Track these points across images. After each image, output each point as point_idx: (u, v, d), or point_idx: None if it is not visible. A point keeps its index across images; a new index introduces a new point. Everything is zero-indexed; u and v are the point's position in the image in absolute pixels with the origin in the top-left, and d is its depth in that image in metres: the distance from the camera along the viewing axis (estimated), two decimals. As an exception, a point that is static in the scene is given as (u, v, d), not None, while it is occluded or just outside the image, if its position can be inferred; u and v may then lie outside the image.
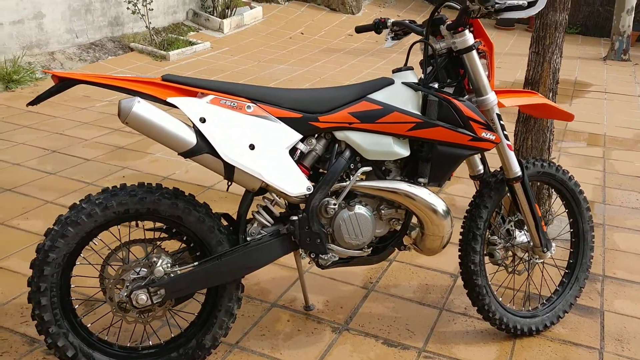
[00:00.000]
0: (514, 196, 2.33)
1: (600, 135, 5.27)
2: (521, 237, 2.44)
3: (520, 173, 2.27)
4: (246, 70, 7.04)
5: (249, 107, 1.93)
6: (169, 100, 1.84)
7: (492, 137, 2.10)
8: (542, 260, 2.47)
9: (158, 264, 1.94)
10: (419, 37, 2.22)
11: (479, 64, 2.12)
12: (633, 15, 8.71)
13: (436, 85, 2.11)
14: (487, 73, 2.17)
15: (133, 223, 2.01)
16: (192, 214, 1.96)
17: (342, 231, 2.07)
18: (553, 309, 2.50)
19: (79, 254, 1.94)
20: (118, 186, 1.95)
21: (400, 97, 2.07)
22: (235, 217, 2.11)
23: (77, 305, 2.01)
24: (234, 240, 2.03)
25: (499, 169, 2.36)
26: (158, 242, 2.04)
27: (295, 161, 1.99)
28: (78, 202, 1.91)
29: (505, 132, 2.21)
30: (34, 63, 6.37)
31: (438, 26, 2.14)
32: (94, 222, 1.88)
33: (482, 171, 2.38)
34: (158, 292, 1.93)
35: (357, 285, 2.77)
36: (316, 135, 2.04)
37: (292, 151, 2.00)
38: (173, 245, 2.13)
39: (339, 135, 2.03)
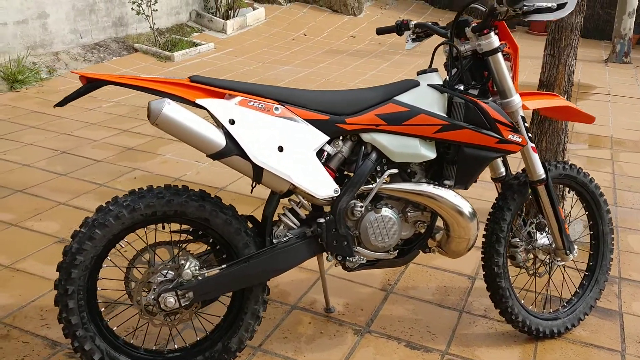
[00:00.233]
0: (537, 199, 2.33)
1: (607, 137, 5.29)
2: (542, 239, 2.44)
3: (544, 176, 2.27)
4: (251, 71, 7.03)
5: (276, 108, 1.92)
6: (198, 101, 1.83)
7: (519, 140, 2.10)
8: (563, 263, 2.46)
9: (186, 267, 1.93)
10: (440, 39, 2.22)
11: (504, 66, 2.11)
12: (634, 18, 8.73)
13: (462, 87, 2.11)
14: (511, 75, 2.16)
15: (158, 225, 2.00)
16: (219, 216, 1.95)
17: (368, 234, 2.07)
18: (574, 311, 2.50)
19: (106, 257, 1.92)
20: (144, 188, 1.94)
21: (427, 99, 2.06)
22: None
23: (103, 308, 1.99)
24: (259, 243, 2.02)
25: (521, 171, 2.36)
26: (183, 245, 2.03)
27: (322, 163, 1.98)
28: (105, 204, 1.90)
29: (529, 135, 2.20)
30: (38, 63, 6.34)
31: (463, 28, 2.14)
32: (121, 225, 1.87)
33: (504, 174, 2.38)
34: (186, 295, 1.92)
35: (376, 287, 2.76)
36: (342, 137, 2.04)
37: (319, 153, 1.99)
38: (195, 247, 2.12)
39: (366, 137, 2.03)
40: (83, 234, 1.85)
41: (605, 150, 4.94)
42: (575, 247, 2.42)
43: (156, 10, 7.41)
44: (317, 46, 8.72)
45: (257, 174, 1.89)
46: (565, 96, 3.19)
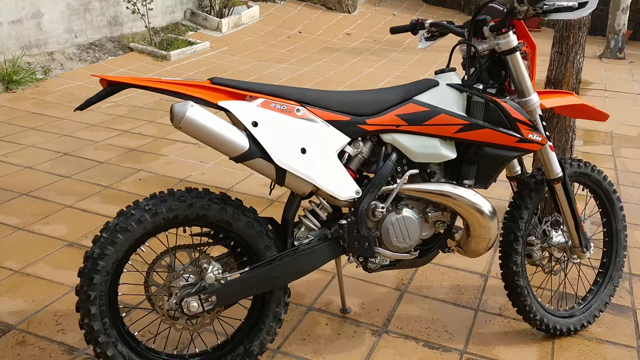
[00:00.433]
0: (553, 197, 2.33)
1: (607, 133, 5.31)
2: (557, 237, 2.44)
3: (561, 174, 2.27)
4: (248, 69, 7.01)
5: (298, 110, 1.90)
6: (220, 103, 1.81)
7: (539, 139, 2.10)
8: (579, 260, 2.47)
9: (209, 270, 1.91)
10: (456, 38, 2.21)
11: (522, 65, 2.11)
12: (628, 14, 8.79)
13: (480, 87, 2.10)
14: (528, 74, 2.16)
15: (178, 229, 1.98)
16: (241, 219, 1.93)
17: (390, 234, 2.06)
18: (589, 308, 2.51)
19: (127, 261, 1.90)
20: (165, 192, 1.92)
21: (446, 98, 2.06)
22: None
23: (124, 314, 1.97)
24: (280, 245, 2.01)
25: (537, 170, 2.36)
26: (204, 248, 2.01)
27: (343, 164, 1.97)
28: (126, 209, 1.88)
29: (547, 133, 2.20)
30: (34, 63, 6.28)
31: (480, 27, 2.13)
32: (143, 229, 1.85)
33: (519, 172, 2.38)
34: (209, 299, 1.90)
35: (390, 287, 2.76)
36: (362, 138, 2.02)
37: (340, 154, 1.98)
38: (212, 250, 2.11)
39: (386, 137, 2.02)
40: (105, 239, 1.83)
41: (606, 146, 4.97)
42: (592, 244, 2.42)
43: (151, 9, 7.36)
44: (313, 44, 8.70)
45: (280, 176, 1.88)
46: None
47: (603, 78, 7.62)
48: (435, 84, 2.09)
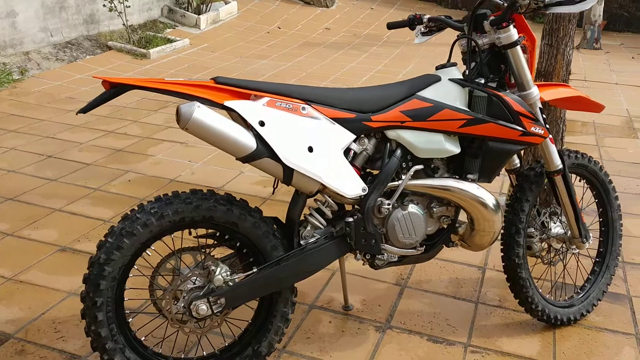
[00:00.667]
0: (553, 188, 2.35)
1: (590, 123, 5.39)
2: (556, 228, 2.46)
3: (561, 166, 2.29)
4: (229, 66, 6.95)
5: (303, 108, 1.88)
6: (227, 103, 1.78)
7: (541, 132, 2.11)
8: (578, 251, 2.50)
9: (217, 273, 1.89)
10: (449, 33, 2.22)
11: (523, 59, 2.12)
12: (603, 5, 8.92)
13: (482, 81, 2.11)
14: (527, 67, 2.17)
15: (183, 231, 1.95)
16: (247, 220, 1.91)
17: (396, 231, 2.05)
18: (587, 297, 2.54)
19: (133, 266, 1.87)
20: (170, 194, 1.89)
21: (449, 93, 2.06)
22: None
23: (130, 319, 1.94)
24: (287, 245, 1.99)
25: (535, 162, 2.38)
26: (210, 250, 1.99)
27: (349, 162, 1.96)
28: (130, 212, 1.84)
29: (547, 126, 2.22)
30: (9, 64, 6.15)
31: (480, 21, 2.13)
32: (149, 232, 1.82)
33: (518, 165, 2.39)
34: (218, 301, 1.88)
35: (390, 282, 2.76)
36: (367, 134, 2.01)
37: (346, 152, 1.96)
38: (216, 251, 2.08)
39: (391, 134, 2.01)
40: (110, 244, 1.79)
41: (590, 136, 5.04)
42: (591, 234, 2.45)
43: (129, 6, 7.25)
44: (293, 39, 8.66)
45: (288, 175, 1.86)
46: (562, 85, 3.22)
47: (582, 69, 7.72)
48: (437, 79, 2.09)
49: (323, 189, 1.94)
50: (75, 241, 2.98)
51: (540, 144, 2.22)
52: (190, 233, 1.95)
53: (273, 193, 2.16)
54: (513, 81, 2.18)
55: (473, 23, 2.14)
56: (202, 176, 3.86)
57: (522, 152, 2.40)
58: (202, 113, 1.73)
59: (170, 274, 1.96)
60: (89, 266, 1.82)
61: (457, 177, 2.13)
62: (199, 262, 1.95)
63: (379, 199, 2.02)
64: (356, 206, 2.04)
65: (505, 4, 2.05)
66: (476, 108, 2.06)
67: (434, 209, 2.13)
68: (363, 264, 2.14)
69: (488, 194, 2.11)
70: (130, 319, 1.95)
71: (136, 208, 1.85)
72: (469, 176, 2.11)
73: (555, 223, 2.47)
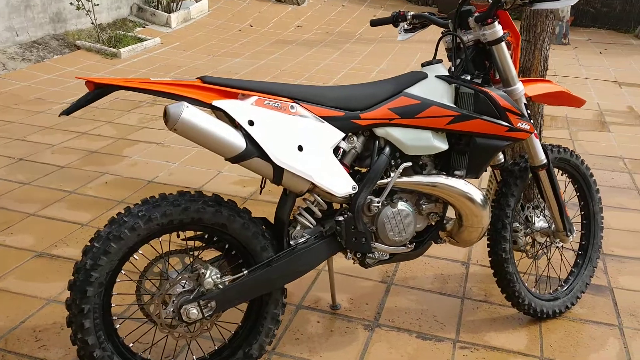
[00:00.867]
0: (538, 183, 2.37)
1: (562, 117, 5.47)
2: (539, 222, 2.48)
3: (545, 160, 2.31)
4: (202, 65, 6.86)
5: (292, 107, 1.86)
6: (215, 103, 1.74)
7: (527, 127, 2.13)
8: (561, 244, 2.52)
9: (207, 275, 1.85)
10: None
11: (508, 55, 2.13)
12: (570, 0, 9.06)
13: (468, 77, 2.11)
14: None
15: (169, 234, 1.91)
16: (236, 221, 1.88)
17: (386, 228, 2.04)
18: (571, 290, 2.57)
19: (120, 271, 1.82)
20: (157, 196, 1.84)
21: (436, 90, 2.05)
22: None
23: (118, 325, 1.89)
24: (276, 246, 1.97)
25: (520, 157, 2.39)
26: (197, 252, 1.95)
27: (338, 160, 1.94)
28: (117, 216, 1.79)
29: (531, 121, 2.23)
30: (-26, 65, 5.97)
31: (465, 18, 2.13)
32: (137, 236, 1.77)
33: (502, 160, 2.40)
34: (209, 305, 1.85)
35: (376, 280, 2.76)
36: (356, 132, 2.00)
37: (335, 150, 1.95)
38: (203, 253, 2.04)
39: (379, 131, 2.00)
40: (97, 249, 1.75)
41: (563, 130, 5.11)
42: (574, 228, 2.48)
43: (97, 4, 7.10)
44: (265, 37, 8.60)
45: (278, 175, 1.83)
46: (540, 80, 3.26)
47: (552, 64, 7.77)
48: (423, 76, 2.08)
49: (313, 188, 1.92)
50: (52, 246, 2.90)
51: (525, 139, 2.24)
52: (178, 236, 1.91)
53: (260, 193, 2.13)
54: (498, 77, 2.19)
55: (458, 20, 2.14)
56: (180, 177, 3.80)
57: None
58: (190, 113, 1.69)
59: (158, 278, 1.92)
60: (75, 272, 1.77)
61: (445, 173, 2.13)
62: (187, 265, 1.92)
63: (368, 197, 2.01)
64: (345, 205, 2.03)
65: (490, 1, 2.06)
66: (463, 104, 2.06)
67: (423, 206, 2.13)
68: (353, 263, 2.12)
69: (476, 189, 2.12)
70: (118, 325, 1.90)
71: (123, 211, 1.80)
72: (457, 172, 2.11)
73: (538, 217, 2.49)
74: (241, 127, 1.76)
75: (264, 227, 1.96)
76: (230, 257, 1.99)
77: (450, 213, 2.21)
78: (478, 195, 2.12)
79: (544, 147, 2.33)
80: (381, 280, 2.75)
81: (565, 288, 2.58)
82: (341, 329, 2.40)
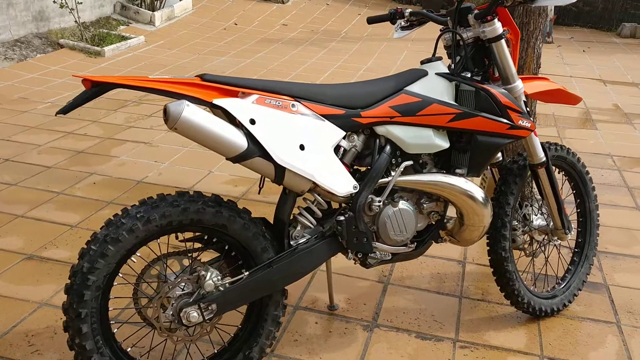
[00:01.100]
0: (537, 181, 2.37)
1: (550, 115, 5.49)
2: (537, 220, 2.48)
3: (544, 158, 2.30)
4: (187, 63, 6.79)
5: (293, 105, 1.83)
6: (216, 101, 1.70)
7: (528, 125, 2.11)
8: (559, 242, 2.52)
9: (207, 277, 1.81)
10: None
11: (507, 52, 2.11)
12: (553, -1, 9.12)
13: (468, 75, 2.09)
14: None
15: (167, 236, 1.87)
16: (237, 222, 1.84)
17: (387, 228, 2.02)
18: (569, 288, 2.57)
19: (118, 274, 1.78)
20: (154, 197, 1.80)
21: (437, 88, 2.03)
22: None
23: (116, 330, 1.84)
24: (277, 247, 1.93)
25: (518, 155, 2.38)
26: (197, 254, 1.91)
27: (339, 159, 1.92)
28: (114, 218, 1.75)
29: (531, 118, 2.22)
30: (-45, 64, 5.85)
31: (464, 15, 2.12)
32: (135, 238, 1.73)
33: (500, 158, 2.40)
34: (209, 308, 1.81)
35: (372, 280, 2.73)
36: (355, 131, 1.97)
37: (336, 149, 1.92)
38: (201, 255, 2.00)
39: (380, 130, 1.97)
40: (94, 252, 1.70)
41: (551, 128, 5.13)
42: (572, 226, 2.48)
43: (81, 2, 7.00)
44: (250, 35, 8.54)
45: (279, 175, 1.80)
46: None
47: (536, 62, 7.87)
48: (424, 73, 2.06)
49: (314, 187, 1.88)
50: (42, 248, 2.84)
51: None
52: (177, 237, 1.87)
53: (259, 193, 2.09)
54: (497, 75, 2.18)
55: (457, 17, 2.12)
56: (170, 176, 3.74)
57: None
58: (191, 112, 1.65)
59: (156, 281, 1.87)
60: (71, 275, 1.72)
61: (445, 172, 2.11)
62: (186, 267, 1.87)
63: (369, 196, 1.98)
64: (344, 204, 2.00)
65: (489, -2, 2.04)
66: (463, 102, 2.05)
67: (424, 205, 2.11)
68: (355, 263, 2.09)
69: (477, 188, 2.10)
70: (116, 330, 1.85)
71: (120, 213, 1.76)
72: (458, 170, 2.09)
73: (536, 215, 2.49)
74: (242, 126, 1.72)
75: (264, 227, 1.93)
76: (229, 259, 1.95)
77: (451, 212, 2.19)
78: (479, 194, 2.10)
79: (542, 145, 2.32)
80: (378, 280, 2.73)
81: (563, 286, 2.58)
82: (340, 329, 2.37)
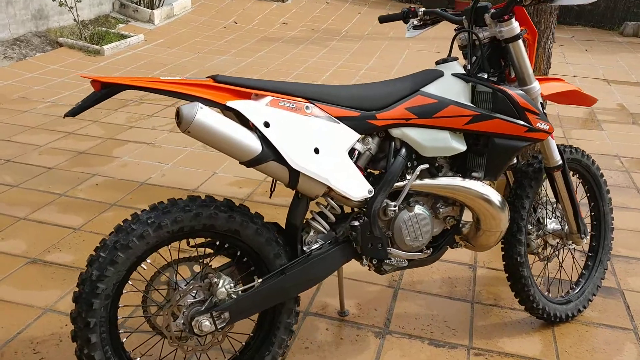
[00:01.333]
0: (552, 184, 2.32)
1: (555, 115, 5.45)
2: (551, 224, 2.43)
3: (561, 161, 2.25)
4: (188, 62, 6.72)
5: (307, 107, 1.77)
6: (229, 104, 1.65)
7: (546, 127, 2.06)
8: (573, 247, 2.47)
9: (219, 285, 1.76)
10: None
11: (524, 53, 2.06)
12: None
13: (485, 76, 2.04)
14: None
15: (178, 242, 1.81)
16: (249, 227, 1.79)
17: (402, 233, 1.97)
18: (583, 293, 2.52)
19: (127, 282, 1.72)
20: (165, 202, 1.74)
21: (453, 89, 1.98)
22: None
23: (124, 339, 1.79)
24: (290, 252, 1.88)
25: (533, 158, 2.33)
26: (208, 260, 1.86)
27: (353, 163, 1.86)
28: (124, 223, 1.69)
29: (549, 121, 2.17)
30: (-47, 63, 5.77)
31: (481, 14, 2.06)
32: (145, 245, 1.67)
33: (515, 161, 2.35)
34: (222, 316, 1.75)
35: (382, 284, 2.68)
36: (371, 133, 1.92)
37: (350, 152, 1.86)
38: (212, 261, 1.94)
39: (395, 132, 1.92)
40: (103, 259, 1.64)
41: (556, 128, 5.08)
42: (588, 230, 2.43)
43: (80, 0, 6.93)
44: (250, 34, 8.48)
45: (294, 179, 1.74)
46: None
47: (538, 62, 7.83)
48: (440, 74, 2.01)
49: (328, 192, 1.83)
50: (45, 252, 2.78)
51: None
52: (188, 243, 1.82)
53: (270, 197, 2.04)
54: (513, 76, 2.13)
55: (473, 16, 2.07)
56: (173, 178, 3.68)
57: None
58: (205, 114, 1.59)
59: (165, 288, 1.82)
60: (80, 283, 1.66)
61: (460, 175, 2.06)
62: (197, 274, 1.82)
63: (384, 200, 1.93)
64: (357, 209, 1.95)
65: (506, -3, 1.99)
66: (480, 103, 2.00)
67: (440, 209, 2.05)
68: (369, 269, 2.04)
69: (494, 192, 2.05)
70: (125, 339, 1.79)
71: (130, 218, 1.70)
72: (474, 174, 2.04)
73: (550, 219, 2.44)
74: (256, 129, 1.67)
75: (276, 232, 1.88)
76: (240, 264, 1.90)
77: (466, 216, 2.14)
78: (497, 198, 2.05)
79: (558, 147, 2.27)
80: (388, 285, 2.68)
81: (577, 291, 2.53)
82: (351, 336, 2.32)
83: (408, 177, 1.96)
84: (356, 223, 1.90)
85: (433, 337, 2.34)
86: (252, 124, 1.66)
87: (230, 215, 1.76)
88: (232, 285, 1.78)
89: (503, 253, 2.30)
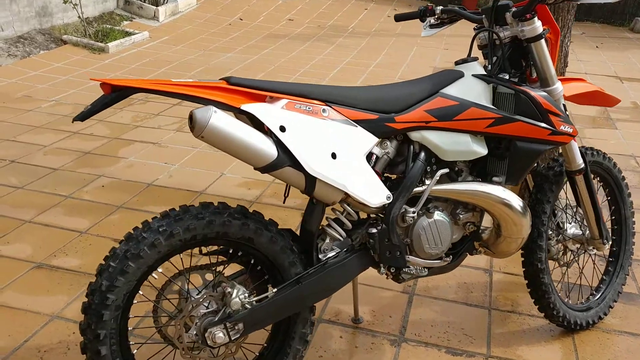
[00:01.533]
0: (574, 188, 2.24)
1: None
2: (572, 229, 2.36)
3: (583, 165, 2.18)
4: (193, 60, 6.66)
5: (324, 110, 1.70)
6: (244, 107, 1.58)
7: (570, 130, 1.99)
8: (594, 252, 2.40)
9: (234, 295, 1.69)
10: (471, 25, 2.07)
11: (547, 53, 1.99)
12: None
13: (506, 77, 1.97)
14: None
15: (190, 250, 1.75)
16: (264, 235, 1.72)
17: (421, 240, 1.90)
18: (604, 299, 2.45)
19: (138, 292, 1.66)
20: (177, 209, 1.68)
21: (474, 90, 1.91)
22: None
23: (135, 350, 1.73)
24: (305, 260, 1.81)
25: (553, 161, 2.26)
26: (221, 268, 1.79)
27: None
28: (134, 232, 1.63)
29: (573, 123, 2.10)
30: (-43, 61, 5.72)
31: (502, 13, 1.99)
32: (157, 253, 1.61)
33: (535, 164, 2.27)
34: (236, 327, 1.69)
35: (397, 290, 2.61)
36: (389, 137, 1.85)
37: (368, 156, 1.79)
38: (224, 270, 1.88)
39: (415, 135, 1.85)
40: (114, 269, 1.58)
41: (569, 127, 4.99)
42: (610, 235, 2.36)
43: (84, -2, 6.87)
44: (256, 31, 8.40)
45: (310, 185, 1.67)
46: (558, 78, 3.13)
47: (547, 59, 7.73)
48: (460, 75, 1.93)
49: (345, 198, 1.76)
50: (51, 256, 2.72)
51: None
52: (200, 251, 1.75)
53: (284, 202, 1.97)
54: (534, 76, 2.05)
55: (493, 15, 2.00)
56: (181, 179, 3.62)
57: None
58: (219, 119, 1.52)
59: (177, 297, 1.76)
60: (89, 294, 1.60)
61: (480, 180, 1.99)
62: (209, 283, 1.76)
63: (403, 206, 1.86)
64: (373, 215, 1.88)
65: (531, -6, 1.91)
66: (502, 105, 1.92)
67: (460, 215, 1.98)
68: (387, 278, 1.97)
69: (516, 197, 1.98)
70: (136, 350, 1.73)
71: (140, 226, 1.64)
72: (495, 179, 1.97)
73: (570, 223, 2.37)
74: (271, 133, 1.60)
75: (291, 240, 1.81)
76: (254, 273, 1.83)
77: (485, 222, 2.07)
78: (518, 203, 1.98)
79: (581, 150, 2.20)
80: (402, 291, 2.61)
81: (598, 297, 2.46)
82: (366, 344, 2.26)
83: (427, 182, 1.89)
84: (374, 230, 1.83)
85: (450, 345, 2.28)
86: (268, 128, 1.60)
87: (244, 222, 1.69)
88: (246, 295, 1.72)
89: (523, 259, 2.23)
